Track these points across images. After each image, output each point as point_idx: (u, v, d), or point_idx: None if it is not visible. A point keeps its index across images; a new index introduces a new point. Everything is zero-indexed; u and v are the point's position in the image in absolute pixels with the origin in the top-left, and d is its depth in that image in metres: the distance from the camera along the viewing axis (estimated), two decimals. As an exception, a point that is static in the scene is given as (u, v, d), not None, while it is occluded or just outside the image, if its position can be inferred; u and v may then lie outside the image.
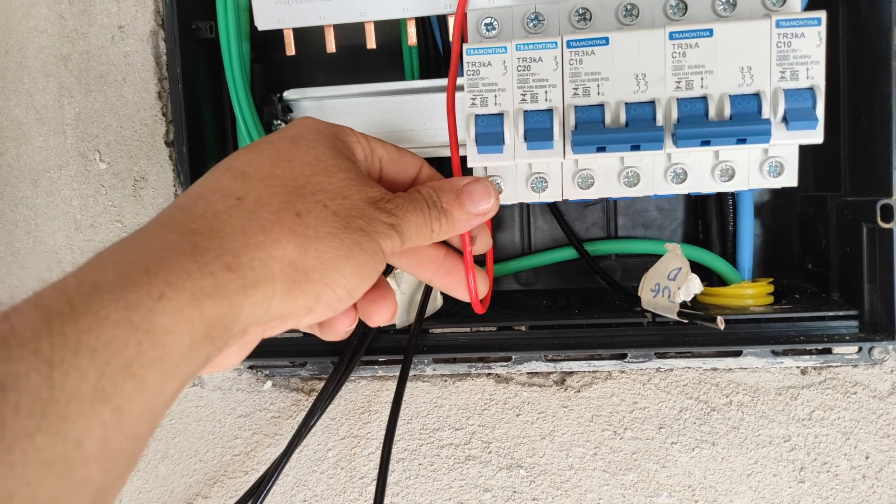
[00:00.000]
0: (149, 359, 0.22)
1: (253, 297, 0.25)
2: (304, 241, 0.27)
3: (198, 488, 0.52)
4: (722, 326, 0.42)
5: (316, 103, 0.57)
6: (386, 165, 0.36)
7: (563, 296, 0.58)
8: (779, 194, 0.57)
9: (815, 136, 0.42)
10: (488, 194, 0.36)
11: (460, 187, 0.35)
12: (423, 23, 0.55)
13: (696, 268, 0.54)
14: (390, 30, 0.53)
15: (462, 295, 0.38)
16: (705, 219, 0.55)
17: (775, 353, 0.47)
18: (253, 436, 0.52)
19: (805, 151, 0.44)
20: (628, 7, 0.45)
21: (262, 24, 0.50)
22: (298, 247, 0.26)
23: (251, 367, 0.51)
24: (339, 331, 0.33)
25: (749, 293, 0.51)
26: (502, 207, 0.52)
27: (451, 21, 0.50)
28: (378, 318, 0.34)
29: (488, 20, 0.47)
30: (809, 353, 0.46)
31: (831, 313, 0.47)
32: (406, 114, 0.57)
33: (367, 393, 0.51)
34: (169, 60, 0.51)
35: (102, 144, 0.52)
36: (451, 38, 0.50)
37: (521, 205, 0.60)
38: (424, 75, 0.57)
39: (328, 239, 0.27)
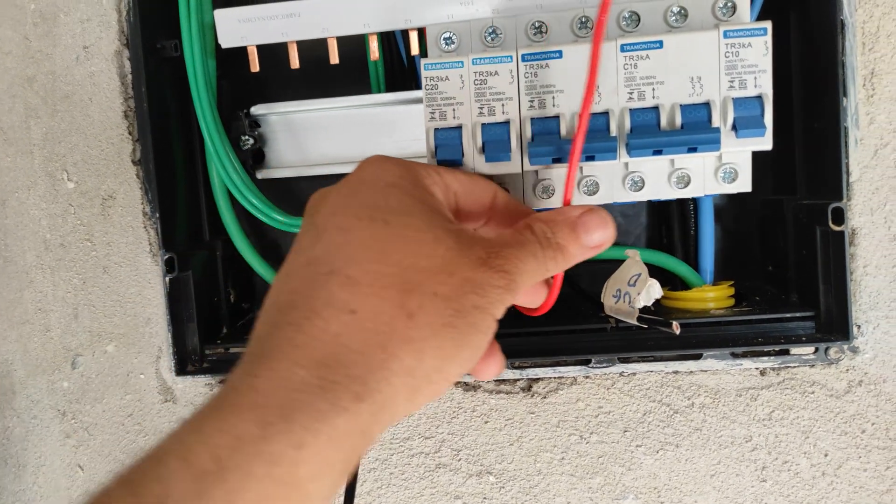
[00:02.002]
0: None
1: (382, 420, 0.25)
2: (420, 346, 0.26)
3: None
4: (677, 331, 0.43)
5: (283, 118, 0.58)
6: (461, 198, 0.34)
7: (532, 302, 0.59)
8: (740, 198, 0.58)
9: (765, 143, 0.43)
10: (605, 225, 0.34)
11: (575, 219, 0.33)
12: (387, 37, 0.56)
13: (660, 272, 0.55)
14: (357, 43, 0.53)
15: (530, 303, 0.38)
16: (668, 223, 0.56)
17: (735, 355, 0.48)
18: (225, 449, 0.52)
19: (763, 156, 0.45)
20: (582, 20, 0.46)
21: (226, 41, 0.51)
22: (415, 353, 0.26)
23: (221, 382, 0.52)
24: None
25: (710, 296, 0.52)
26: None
27: (413, 36, 0.51)
28: (486, 374, 0.34)
29: (447, 34, 0.48)
30: (768, 354, 0.47)
31: (788, 315, 0.48)
32: (374, 126, 0.58)
33: (337, 404, 0.51)
34: (134, 79, 0.52)
35: (70, 164, 0.53)
36: (411, 52, 0.51)
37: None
38: (390, 88, 0.58)
39: (444, 332, 0.26)
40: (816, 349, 0.47)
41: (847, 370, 0.47)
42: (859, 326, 0.46)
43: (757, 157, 0.45)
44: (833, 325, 0.47)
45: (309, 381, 0.24)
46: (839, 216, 0.45)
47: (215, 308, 0.56)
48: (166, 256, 0.51)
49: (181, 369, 0.52)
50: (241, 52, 0.52)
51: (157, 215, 0.51)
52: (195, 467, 0.22)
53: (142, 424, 0.53)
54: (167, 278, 0.51)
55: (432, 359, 0.26)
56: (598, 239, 0.33)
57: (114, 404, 0.53)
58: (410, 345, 0.26)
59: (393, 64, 0.57)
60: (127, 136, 0.52)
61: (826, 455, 0.47)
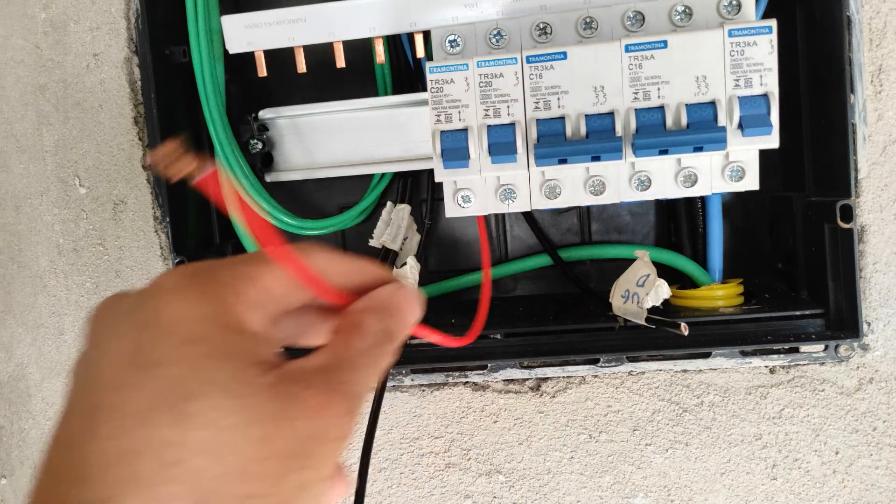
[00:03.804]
0: None
1: None
2: None
3: None
4: (686, 332, 0.43)
5: (291, 121, 0.59)
6: (292, 297, 0.26)
7: (540, 302, 0.59)
8: (748, 195, 0.57)
9: (771, 142, 0.43)
10: (411, 300, 0.28)
11: (388, 298, 0.27)
12: (393, 40, 0.56)
13: (668, 270, 0.55)
14: (363, 47, 0.53)
15: None
16: (676, 222, 0.56)
17: (744, 354, 0.48)
18: (238, 450, 0.53)
19: (772, 152, 0.45)
20: (587, 20, 0.46)
21: (233, 47, 0.51)
22: None
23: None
24: None
25: (719, 294, 0.52)
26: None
27: (418, 38, 0.51)
28: None
29: (452, 37, 0.48)
30: (777, 352, 0.47)
31: (798, 312, 0.48)
32: (381, 128, 0.58)
33: (347, 405, 0.52)
34: (143, 86, 0.52)
35: (81, 170, 0.53)
36: (417, 54, 0.51)
37: (495, 214, 0.61)
38: (397, 90, 0.58)
39: None
40: (826, 347, 0.47)
41: (857, 368, 0.47)
42: (869, 324, 0.46)
43: (765, 153, 0.45)
44: (843, 323, 0.47)
45: None
46: (848, 213, 0.45)
47: (226, 311, 0.57)
48: (177, 260, 0.51)
49: (193, 372, 0.52)
50: (250, 56, 0.53)
51: (168, 220, 0.51)
52: None
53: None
54: (178, 282, 0.51)
55: None
56: (412, 316, 0.28)
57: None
58: None
59: (399, 66, 0.57)
60: (137, 141, 0.53)
61: (837, 453, 0.47)
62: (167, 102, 0.53)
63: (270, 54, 0.53)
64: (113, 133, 0.53)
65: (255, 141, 0.57)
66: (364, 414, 0.51)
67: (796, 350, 0.47)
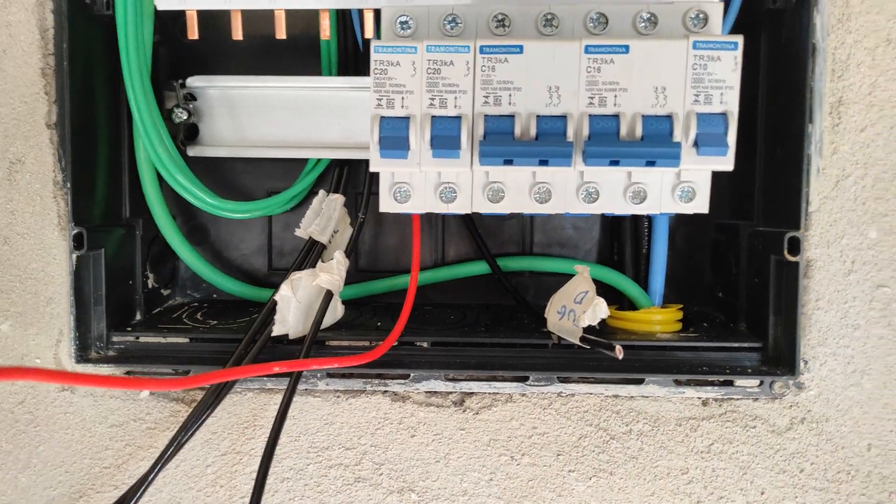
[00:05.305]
0: None
1: None
2: None
3: (62, 502, 0.48)
4: (620, 356, 0.40)
5: (223, 93, 0.54)
6: None
7: (474, 311, 0.56)
8: (695, 219, 0.55)
9: (726, 164, 0.41)
10: None
11: None
12: (343, 16, 0.53)
13: (608, 290, 0.53)
14: (309, 19, 0.49)
15: None
16: (620, 240, 0.54)
17: (678, 383, 0.45)
18: (125, 447, 0.48)
19: (722, 178, 0.43)
20: (548, 17, 0.43)
21: (163, 3, 0.47)
22: None
23: (128, 374, 0.47)
24: None
25: (657, 319, 0.50)
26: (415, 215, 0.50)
27: (368, 17, 0.47)
28: None
29: (403, 18, 0.44)
30: (711, 384, 0.45)
31: (735, 344, 0.46)
32: (321, 110, 0.54)
33: (253, 406, 0.47)
34: (56, 35, 0.47)
35: (-25, 120, 0.47)
36: (366, 35, 0.47)
37: (434, 214, 0.58)
38: (343, 71, 0.54)
39: None
40: (761, 382, 0.45)
41: (790, 406, 0.45)
42: (806, 362, 0.45)
43: (714, 178, 0.43)
44: (780, 359, 0.45)
45: None
46: (795, 246, 0.44)
47: (129, 292, 0.51)
48: (75, 231, 0.46)
49: (82, 356, 0.47)
50: (182, 16, 0.48)
51: (69, 185, 0.46)
52: None
53: (34, 413, 0.48)
54: (74, 255, 0.46)
55: None
56: None
57: (3, 389, 0.48)
58: None
59: (346, 46, 0.53)
60: (43, 95, 0.47)
61: (762, 493, 0.45)
62: (82, 56, 0.48)
63: (204, 16, 0.48)
64: (15, 83, 0.47)
65: (181, 110, 0.52)
66: (269, 418, 0.47)
67: (731, 383, 0.45)
